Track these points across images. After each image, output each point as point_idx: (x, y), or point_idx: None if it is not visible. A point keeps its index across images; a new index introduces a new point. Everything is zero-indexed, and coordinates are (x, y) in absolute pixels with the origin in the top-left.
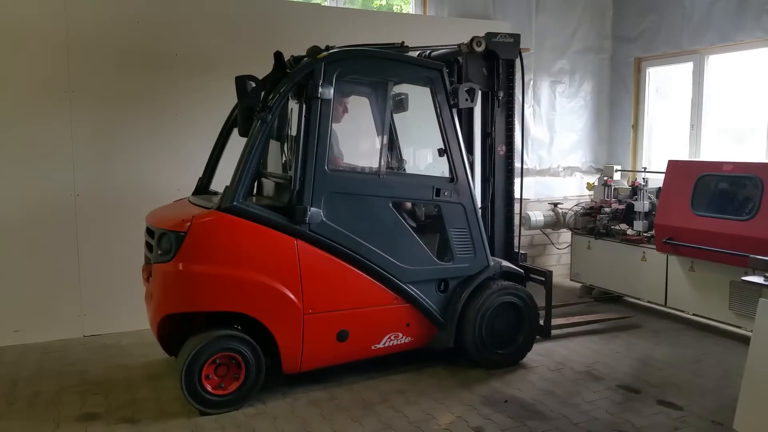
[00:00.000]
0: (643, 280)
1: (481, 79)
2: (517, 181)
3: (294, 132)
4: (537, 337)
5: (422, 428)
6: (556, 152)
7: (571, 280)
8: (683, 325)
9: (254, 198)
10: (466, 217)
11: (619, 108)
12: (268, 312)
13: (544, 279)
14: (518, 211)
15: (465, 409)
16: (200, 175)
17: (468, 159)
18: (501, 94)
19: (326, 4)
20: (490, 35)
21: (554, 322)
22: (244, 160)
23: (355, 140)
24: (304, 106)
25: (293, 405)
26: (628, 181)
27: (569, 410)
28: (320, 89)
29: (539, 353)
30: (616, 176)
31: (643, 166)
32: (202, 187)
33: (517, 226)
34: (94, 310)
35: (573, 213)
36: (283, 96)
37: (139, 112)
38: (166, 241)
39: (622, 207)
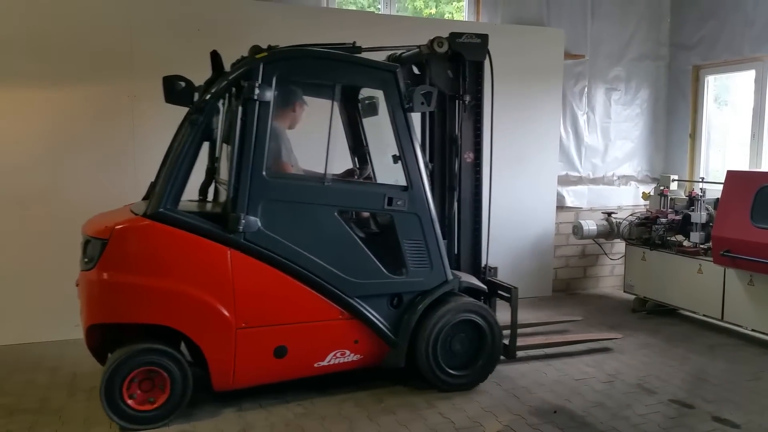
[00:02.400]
0: (698, 293)
1: (445, 82)
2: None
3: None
4: (501, 358)
5: None
6: (610, 160)
7: (624, 291)
8: (741, 340)
9: (209, 204)
10: (422, 228)
11: (676, 116)
12: (195, 325)
13: (509, 296)
14: (486, 222)
15: (513, 418)
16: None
17: (428, 166)
18: (468, 98)
19: (379, 8)
20: (454, 35)
21: (532, 341)
22: (171, 164)
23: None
24: (240, 108)
25: (340, 406)
26: (684, 192)
27: (620, 423)
28: (257, 90)
29: (590, 365)
30: (673, 186)
31: (701, 176)
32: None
33: (486, 238)
34: None
35: (628, 223)
36: (216, 97)
37: None
38: (90, 248)
39: (678, 218)
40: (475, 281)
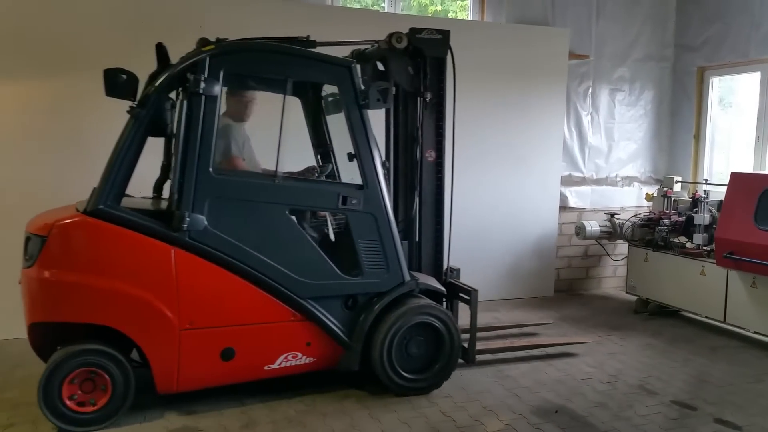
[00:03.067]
0: (701, 294)
1: (406, 79)
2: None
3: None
4: (460, 361)
5: None
6: (614, 161)
7: (626, 292)
8: (743, 342)
9: (163, 201)
10: (378, 228)
11: (680, 118)
12: (136, 326)
13: (468, 298)
14: (448, 223)
15: (514, 417)
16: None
17: (385, 165)
18: (429, 95)
19: (384, 7)
20: (414, 31)
21: (494, 345)
22: (112, 160)
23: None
24: (185, 102)
25: (342, 403)
26: (688, 193)
27: (621, 424)
28: (203, 84)
29: (591, 365)
30: (676, 188)
31: (705, 177)
32: None
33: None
34: None
35: (630, 224)
36: (159, 90)
37: None
38: (31, 246)
39: (681, 219)
40: (433, 283)
